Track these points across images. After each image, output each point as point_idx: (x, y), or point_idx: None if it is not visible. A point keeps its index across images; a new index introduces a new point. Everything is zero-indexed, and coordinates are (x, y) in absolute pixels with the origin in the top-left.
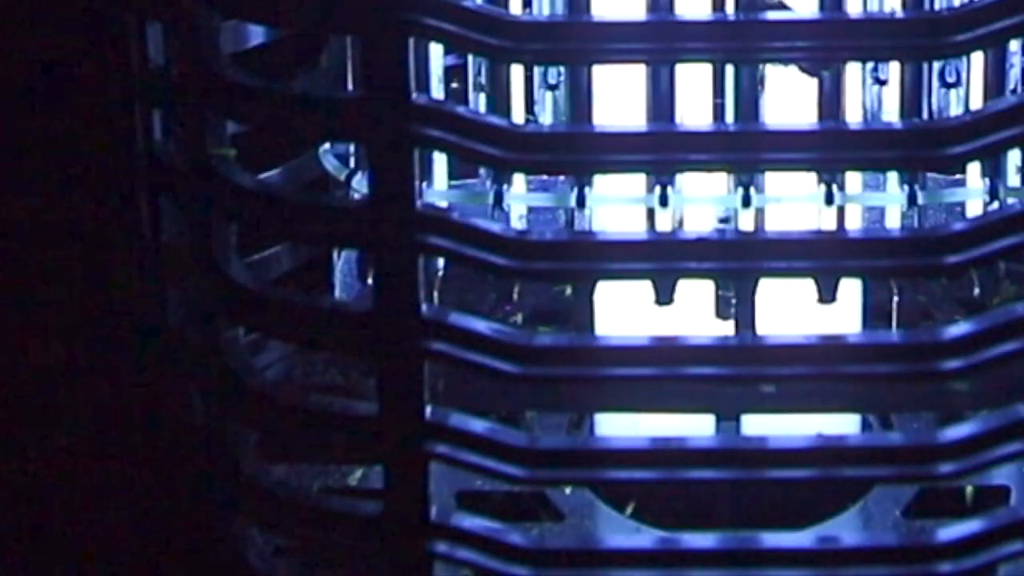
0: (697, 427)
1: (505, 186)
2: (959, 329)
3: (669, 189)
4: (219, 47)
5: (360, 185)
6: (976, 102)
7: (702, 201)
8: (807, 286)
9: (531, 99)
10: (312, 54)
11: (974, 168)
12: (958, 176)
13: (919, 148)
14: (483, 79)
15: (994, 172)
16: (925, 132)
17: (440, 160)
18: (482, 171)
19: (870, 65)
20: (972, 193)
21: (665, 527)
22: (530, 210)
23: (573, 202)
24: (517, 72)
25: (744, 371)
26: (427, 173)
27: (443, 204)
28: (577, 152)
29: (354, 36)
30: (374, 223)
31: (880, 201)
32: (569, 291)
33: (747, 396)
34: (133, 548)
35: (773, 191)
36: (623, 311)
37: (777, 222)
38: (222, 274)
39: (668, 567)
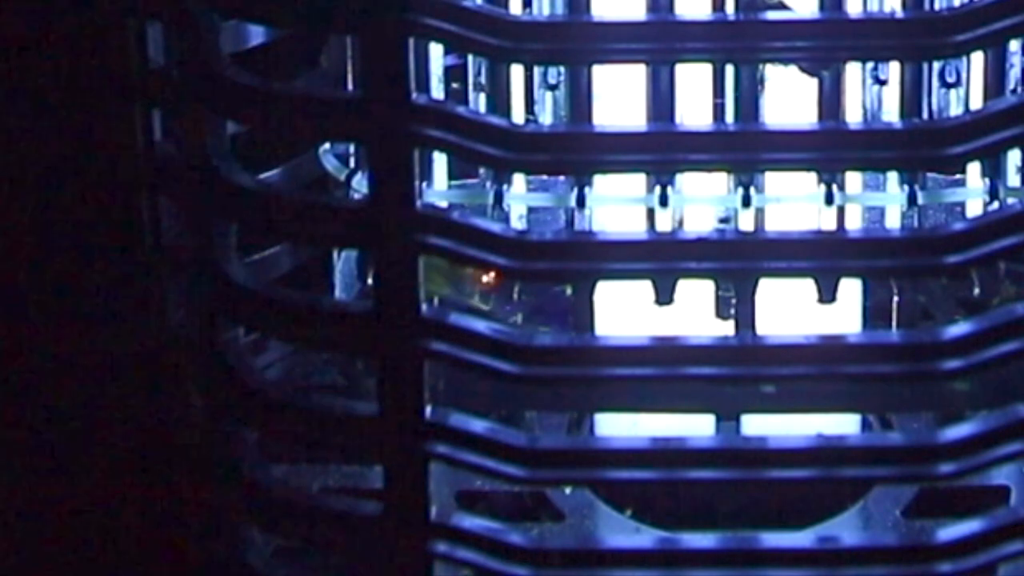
0: (697, 427)
1: (505, 186)
2: (959, 329)
3: (669, 189)
4: (219, 47)
5: (360, 185)
6: (976, 102)
7: (702, 201)
8: (807, 286)
9: (531, 99)
10: (312, 54)
11: (974, 168)
12: (958, 176)
13: (919, 148)
14: (483, 79)
15: (994, 172)
16: (925, 132)
17: (440, 160)
18: (482, 171)
19: (870, 65)
20: (972, 193)
21: (665, 527)
22: (530, 210)
23: (573, 202)
24: (517, 72)
25: (744, 371)
26: (427, 173)
27: (443, 204)
28: (577, 152)
29: (354, 36)
30: (374, 223)
31: (880, 201)
32: (569, 291)
33: (747, 396)
34: (133, 548)
35: (773, 191)
36: (623, 311)
37: (777, 222)
38: (222, 274)
39: (668, 567)
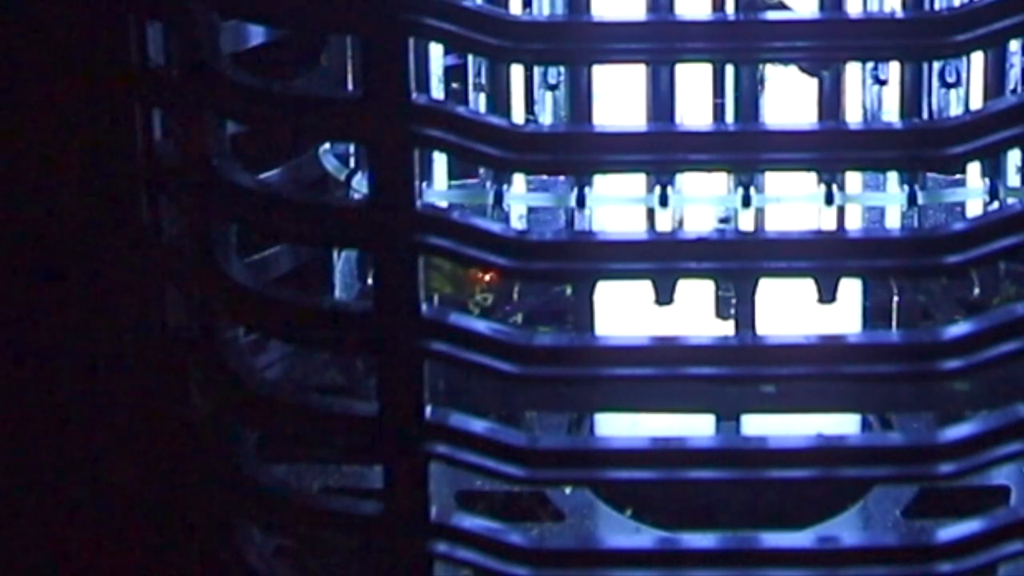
0: (697, 427)
1: (505, 186)
2: (959, 329)
3: (669, 189)
4: (219, 47)
5: (360, 185)
6: (976, 102)
7: (702, 201)
8: (807, 286)
9: (531, 99)
10: (312, 54)
11: (974, 168)
12: (958, 176)
13: (919, 148)
14: (483, 79)
15: (994, 172)
16: (925, 132)
17: (440, 160)
18: (482, 171)
19: (870, 65)
20: (972, 193)
21: (665, 527)
22: (530, 210)
23: (573, 202)
24: (517, 72)
25: (744, 371)
26: (427, 173)
27: (443, 204)
28: (577, 152)
29: (354, 36)
30: (374, 223)
31: (880, 201)
32: (569, 291)
33: (747, 396)
34: (133, 548)
35: (773, 191)
36: (623, 311)
37: (777, 222)
38: (222, 274)
39: (668, 567)
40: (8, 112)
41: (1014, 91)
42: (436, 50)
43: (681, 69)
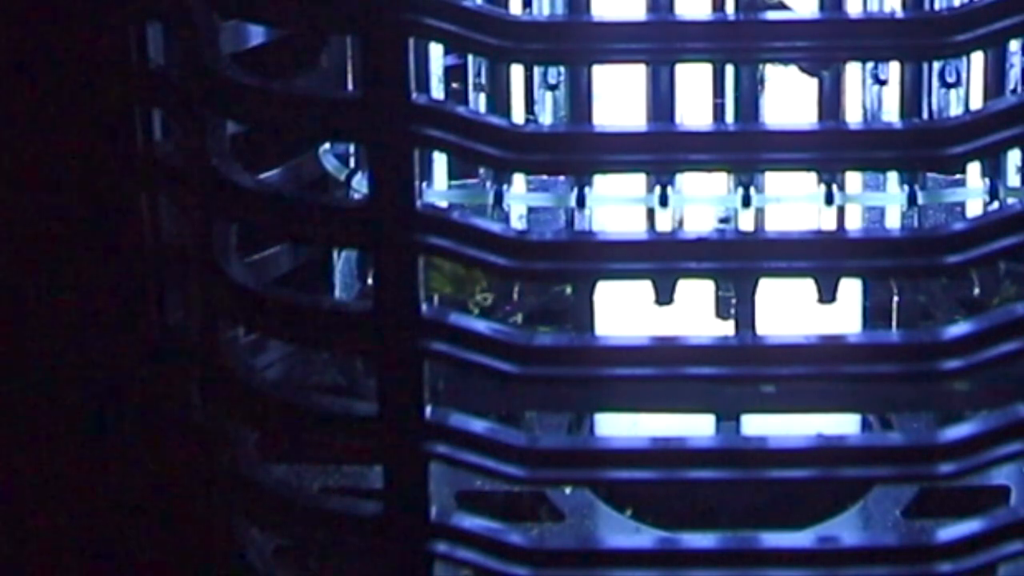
0: (697, 427)
1: (505, 186)
2: (959, 329)
3: (669, 189)
4: (219, 47)
5: (360, 185)
6: (976, 102)
7: (702, 201)
8: (807, 286)
9: (531, 99)
10: (312, 54)
11: (974, 168)
12: (958, 176)
13: (919, 148)
14: (483, 79)
15: (994, 172)
16: (925, 132)
17: (440, 160)
18: (482, 171)
19: (870, 65)
20: (972, 193)
21: (665, 527)
22: (530, 210)
23: (573, 202)
24: (517, 72)
25: (744, 371)
26: (427, 173)
27: (443, 204)
28: (577, 152)
29: (354, 36)
30: (374, 223)
31: (880, 201)
32: (569, 291)
33: (747, 396)
34: (133, 548)
35: (773, 191)
36: (623, 311)
37: (777, 222)
38: (222, 274)
39: (668, 567)
40: (8, 112)
41: (1014, 91)
42: (436, 50)
43: (681, 69)
